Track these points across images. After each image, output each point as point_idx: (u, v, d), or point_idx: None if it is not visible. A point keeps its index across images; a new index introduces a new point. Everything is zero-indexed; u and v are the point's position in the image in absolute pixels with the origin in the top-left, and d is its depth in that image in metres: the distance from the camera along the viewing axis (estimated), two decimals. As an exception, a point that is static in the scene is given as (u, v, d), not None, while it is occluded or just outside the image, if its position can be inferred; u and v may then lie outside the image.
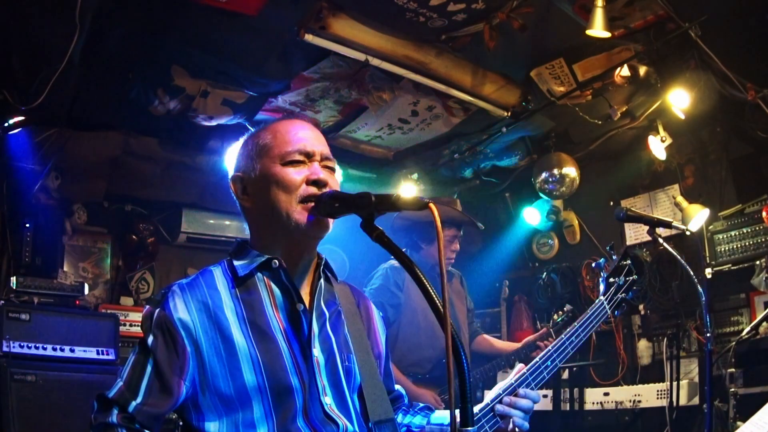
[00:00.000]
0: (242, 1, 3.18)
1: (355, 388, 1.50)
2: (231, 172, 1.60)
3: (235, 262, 1.50)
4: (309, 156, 1.51)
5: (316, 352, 1.45)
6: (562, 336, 1.82)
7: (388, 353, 1.73)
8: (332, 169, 1.55)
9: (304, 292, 1.52)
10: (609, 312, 2.03)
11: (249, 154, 1.56)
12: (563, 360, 1.78)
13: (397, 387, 1.76)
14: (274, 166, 1.49)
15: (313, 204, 1.45)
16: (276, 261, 1.47)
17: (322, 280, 1.55)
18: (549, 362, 1.74)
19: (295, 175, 1.47)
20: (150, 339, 1.39)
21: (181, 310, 1.39)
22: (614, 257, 2.19)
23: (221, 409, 1.36)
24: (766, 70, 3.60)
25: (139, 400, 1.34)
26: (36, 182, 4.25)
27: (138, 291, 4.94)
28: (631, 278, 2.11)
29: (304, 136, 1.53)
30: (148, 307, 1.45)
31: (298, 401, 1.38)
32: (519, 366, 1.72)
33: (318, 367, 1.43)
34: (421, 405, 1.75)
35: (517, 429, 1.60)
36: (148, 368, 1.37)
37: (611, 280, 2.10)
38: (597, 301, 2.02)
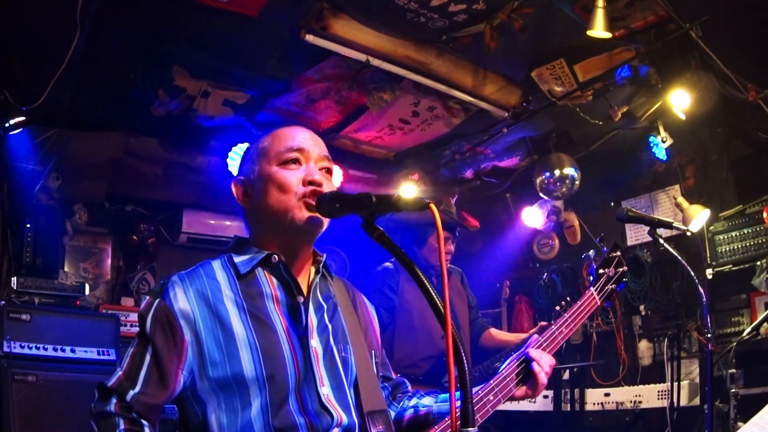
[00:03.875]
0: (243, 1, 3.19)
1: (352, 380, 1.53)
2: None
3: (236, 258, 1.53)
4: (305, 155, 1.55)
5: (314, 342, 1.47)
6: (552, 326, 1.86)
7: (388, 352, 1.75)
8: (329, 170, 1.59)
9: (303, 286, 1.54)
10: (599, 302, 2.06)
11: (250, 158, 1.61)
12: (554, 350, 1.81)
13: (396, 375, 1.80)
14: (271, 167, 1.54)
15: (310, 202, 1.48)
16: (276, 256, 1.51)
17: (318, 275, 1.59)
18: None
19: (291, 176, 1.51)
20: (149, 329, 1.41)
21: (181, 300, 1.42)
22: (604, 249, 2.22)
23: (220, 396, 1.38)
24: (767, 71, 3.59)
25: (137, 389, 1.37)
26: (37, 183, 4.26)
27: (139, 291, 4.95)
28: (621, 269, 2.15)
29: (300, 137, 1.58)
30: (148, 298, 1.47)
31: (294, 391, 1.40)
32: (533, 337, 1.78)
33: (316, 358, 1.45)
34: (430, 390, 1.77)
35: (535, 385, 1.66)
36: (147, 358, 1.39)
37: (601, 271, 2.13)
38: (587, 291, 2.06)
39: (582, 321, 1.95)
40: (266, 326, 1.43)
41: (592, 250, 2.23)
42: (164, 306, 1.42)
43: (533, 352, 1.67)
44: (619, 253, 2.18)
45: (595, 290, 2.06)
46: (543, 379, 1.65)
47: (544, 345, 1.78)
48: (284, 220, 1.49)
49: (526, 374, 1.66)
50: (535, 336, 1.78)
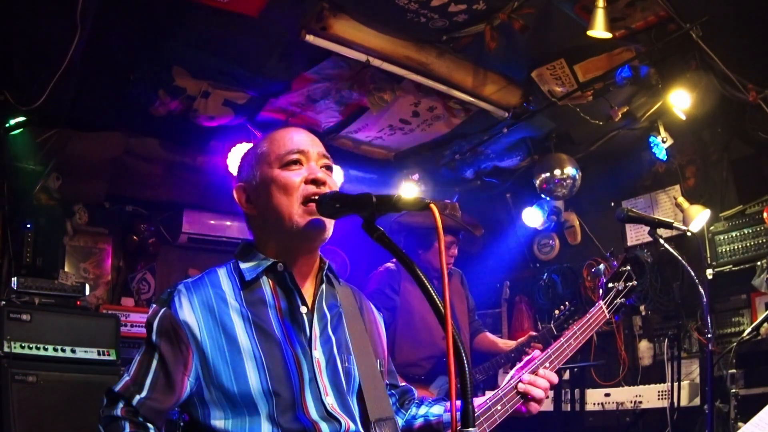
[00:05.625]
0: (243, 1, 3.19)
1: (355, 391, 1.53)
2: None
3: (242, 265, 1.52)
4: (305, 155, 1.55)
5: (317, 353, 1.48)
6: (561, 339, 1.86)
7: (390, 352, 1.77)
8: (330, 169, 1.59)
9: (307, 295, 1.54)
10: (608, 316, 2.07)
11: (249, 164, 1.61)
12: (561, 363, 1.81)
13: (403, 383, 1.80)
14: (273, 170, 1.53)
15: (314, 205, 1.48)
16: (281, 264, 1.51)
17: (324, 284, 1.59)
18: (548, 364, 1.76)
19: (294, 176, 1.51)
20: (155, 337, 1.43)
21: (186, 310, 1.44)
22: (614, 263, 2.24)
23: (226, 405, 1.40)
24: (767, 71, 3.59)
25: (143, 394, 1.39)
26: (37, 183, 4.25)
27: (139, 292, 4.95)
28: (630, 284, 2.16)
29: (299, 138, 1.58)
30: (154, 306, 1.49)
31: (299, 400, 1.41)
32: (535, 353, 1.78)
33: (319, 368, 1.46)
34: (437, 397, 1.78)
35: (529, 409, 1.67)
36: (154, 364, 1.41)
37: (610, 285, 2.14)
38: (596, 305, 2.07)
39: (591, 334, 1.96)
40: (270, 338, 1.44)
41: (602, 264, 2.23)
42: (169, 315, 1.44)
43: (527, 378, 1.68)
44: (629, 267, 2.19)
45: (604, 304, 2.08)
46: (535, 406, 1.67)
47: (552, 357, 1.77)
48: (288, 223, 1.49)
49: (522, 395, 1.68)
50: (537, 352, 1.78)
